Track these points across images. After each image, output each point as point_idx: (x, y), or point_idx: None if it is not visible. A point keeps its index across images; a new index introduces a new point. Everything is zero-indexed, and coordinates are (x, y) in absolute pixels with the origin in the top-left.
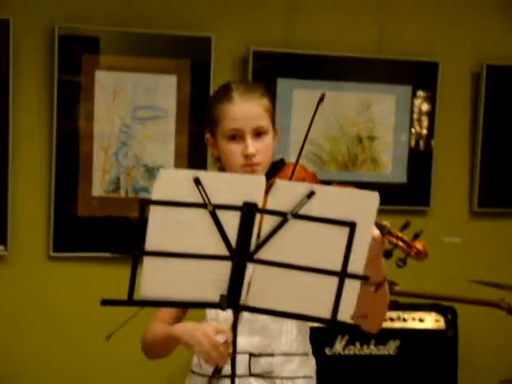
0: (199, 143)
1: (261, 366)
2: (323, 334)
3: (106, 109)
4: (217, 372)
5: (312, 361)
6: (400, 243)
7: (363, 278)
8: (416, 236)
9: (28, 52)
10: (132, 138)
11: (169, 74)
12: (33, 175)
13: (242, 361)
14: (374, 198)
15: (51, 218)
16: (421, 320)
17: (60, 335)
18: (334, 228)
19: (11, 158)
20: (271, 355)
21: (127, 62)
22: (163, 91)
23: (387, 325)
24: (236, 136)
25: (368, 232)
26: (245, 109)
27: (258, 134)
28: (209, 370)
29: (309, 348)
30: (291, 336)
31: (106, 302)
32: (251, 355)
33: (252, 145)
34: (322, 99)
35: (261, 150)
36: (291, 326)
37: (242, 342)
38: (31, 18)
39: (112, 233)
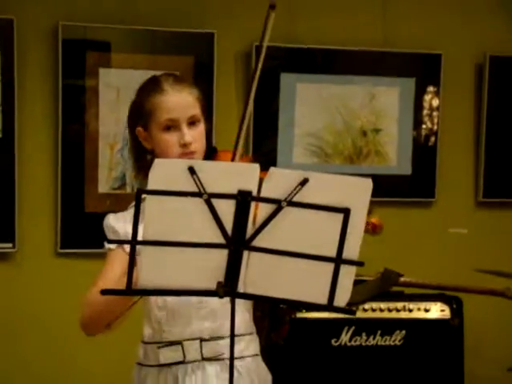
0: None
1: (212, 349)
2: (329, 325)
3: (110, 106)
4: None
5: (257, 339)
6: None
7: (358, 264)
8: (369, 212)
9: (32, 50)
10: None
11: (172, 70)
12: (39, 173)
13: (193, 346)
14: (367, 184)
15: (58, 215)
16: (426, 310)
17: (69, 331)
18: (328, 215)
19: (18, 155)
20: (221, 338)
21: (131, 59)
22: None
23: (393, 315)
24: (171, 126)
25: (362, 218)
26: (178, 99)
27: (192, 122)
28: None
29: (253, 327)
30: (239, 317)
31: (105, 292)
32: (202, 340)
33: (188, 133)
34: (272, 7)
35: (196, 138)
36: (239, 307)
37: (192, 328)
38: (35, 17)
39: None
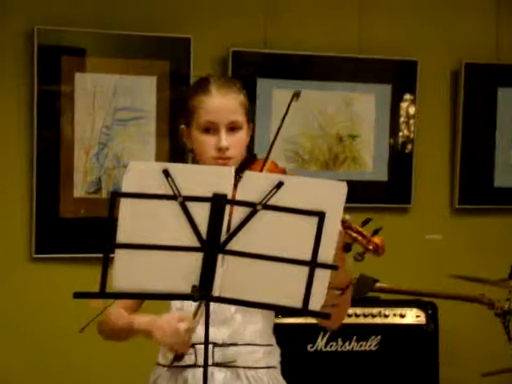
0: (180, 144)
1: (224, 355)
2: (305, 330)
3: (86, 110)
4: (177, 359)
5: (277, 351)
6: (359, 238)
7: (333, 268)
8: (375, 232)
9: (7, 55)
10: (113, 140)
11: (148, 75)
12: (15, 177)
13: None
14: (342, 187)
15: (33, 220)
16: (402, 316)
17: (43, 336)
18: (303, 218)
19: None
20: (235, 345)
21: (107, 63)
22: (143, 92)
23: (368, 320)
24: (210, 128)
25: (337, 222)
26: (221, 102)
27: (232, 128)
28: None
29: (273, 339)
30: (256, 327)
31: (78, 295)
32: (215, 345)
33: (226, 138)
34: (296, 95)
35: (234, 144)
36: (256, 317)
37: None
38: (10, 22)
39: (94, 233)
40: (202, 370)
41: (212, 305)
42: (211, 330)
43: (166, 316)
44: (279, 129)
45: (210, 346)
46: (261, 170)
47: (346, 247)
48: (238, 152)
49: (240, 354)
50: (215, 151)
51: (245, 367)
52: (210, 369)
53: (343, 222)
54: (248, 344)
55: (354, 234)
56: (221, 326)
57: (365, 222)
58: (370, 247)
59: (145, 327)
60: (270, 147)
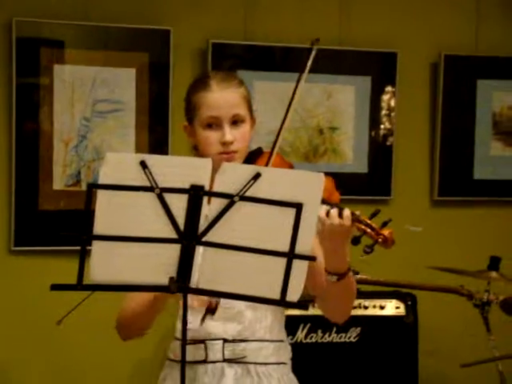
0: (159, 135)
1: (234, 351)
2: (285, 322)
3: (65, 103)
4: (210, 311)
5: (287, 347)
6: (368, 230)
7: (310, 259)
8: (384, 224)
9: None
10: (92, 132)
11: (128, 67)
12: None
13: (215, 347)
14: (319, 178)
15: (12, 213)
16: (381, 307)
17: (22, 329)
18: (280, 209)
19: None
20: (245, 341)
21: (86, 55)
22: (122, 84)
23: None
24: (213, 124)
25: (314, 213)
26: (222, 97)
27: (235, 122)
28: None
29: (284, 335)
30: (266, 323)
31: (55, 287)
32: (225, 341)
33: (229, 132)
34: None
35: (238, 137)
36: (266, 312)
37: (217, 328)
38: None
39: (73, 226)
40: (212, 365)
41: (222, 301)
42: (221, 325)
43: None
44: (287, 112)
45: (220, 342)
46: (266, 164)
47: (354, 240)
48: (243, 145)
49: (250, 350)
50: (219, 146)
51: (255, 363)
52: (220, 365)
53: (352, 214)
54: (258, 340)
55: (363, 227)
56: (230, 322)
57: (373, 214)
58: (380, 239)
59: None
60: (276, 139)
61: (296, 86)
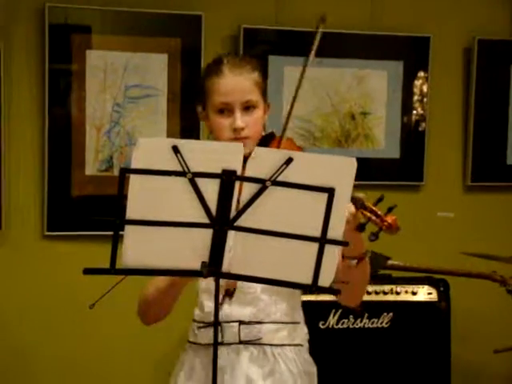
0: (191, 121)
1: (250, 332)
2: (317, 307)
3: (97, 88)
4: (229, 294)
5: (303, 329)
6: (373, 217)
7: (343, 244)
8: (389, 210)
9: (18, 33)
10: (124, 117)
11: (160, 52)
12: (26, 156)
13: (231, 329)
14: (351, 163)
15: (45, 198)
16: (414, 293)
17: (56, 313)
18: (312, 194)
19: (4, 138)
20: (261, 323)
21: (118, 41)
22: (154, 70)
23: (380, 298)
24: (225, 110)
25: (346, 198)
26: (234, 82)
27: (247, 107)
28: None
29: (301, 317)
30: (281, 306)
31: (88, 271)
32: (241, 323)
33: (240, 118)
34: (322, 20)
35: (250, 123)
36: (282, 296)
37: (233, 312)
38: None
39: (106, 211)
40: (228, 347)
41: (239, 284)
42: (237, 308)
43: None
44: (296, 94)
45: (236, 324)
46: (277, 148)
47: (359, 227)
48: (255, 131)
49: (265, 332)
50: (231, 132)
51: (271, 345)
52: (236, 346)
53: (356, 201)
54: (273, 322)
55: (368, 214)
56: (247, 305)
57: (378, 200)
58: (384, 227)
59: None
60: (286, 122)
61: (303, 71)
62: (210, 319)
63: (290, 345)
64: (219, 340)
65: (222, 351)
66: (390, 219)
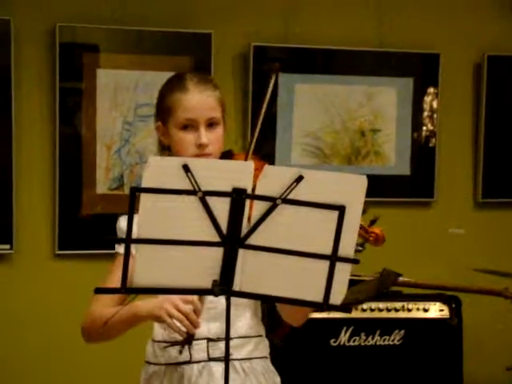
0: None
1: (219, 349)
2: (328, 325)
3: (107, 107)
4: (188, 341)
5: (266, 341)
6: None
7: (354, 262)
8: (372, 222)
9: (29, 51)
10: (134, 135)
11: (169, 70)
12: (37, 174)
13: (200, 346)
14: (362, 181)
15: (56, 216)
16: (425, 310)
17: (66, 332)
18: (323, 212)
19: (15, 156)
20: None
21: (128, 60)
22: None
23: (392, 315)
24: (189, 126)
25: (357, 215)
26: (199, 99)
27: (211, 124)
28: (173, 353)
29: (263, 329)
30: (245, 319)
31: (99, 290)
32: (209, 340)
33: (205, 135)
34: (276, 70)
35: (213, 140)
36: (245, 309)
37: (201, 328)
38: (32, 18)
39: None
40: (197, 365)
41: (207, 301)
42: (205, 325)
43: (171, 298)
44: (261, 114)
45: (205, 342)
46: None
47: None
48: (217, 148)
49: (233, 347)
50: (195, 148)
51: (240, 359)
52: (207, 364)
53: None
54: (240, 337)
55: None
56: (213, 321)
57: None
58: (371, 238)
59: (151, 309)
60: (252, 139)
61: (260, 109)
62: (176, 338)
63: (257, 358)
64: (188, 358)
65: (192, 369)
66: (376, 230)
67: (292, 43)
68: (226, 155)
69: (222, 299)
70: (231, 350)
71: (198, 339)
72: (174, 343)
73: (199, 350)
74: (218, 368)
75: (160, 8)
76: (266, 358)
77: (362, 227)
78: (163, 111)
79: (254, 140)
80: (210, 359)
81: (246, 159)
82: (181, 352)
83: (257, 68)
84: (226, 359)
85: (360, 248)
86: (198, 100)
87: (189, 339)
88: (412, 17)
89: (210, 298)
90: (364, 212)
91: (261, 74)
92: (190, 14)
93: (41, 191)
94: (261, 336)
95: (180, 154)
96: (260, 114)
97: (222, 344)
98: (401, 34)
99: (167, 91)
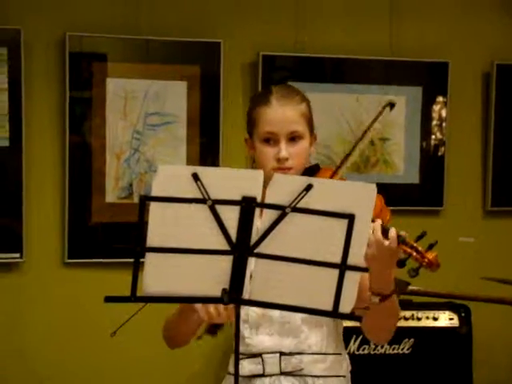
0: (210, 148)
1: (291, 364)
2: None
3: (117, 116)
4: (211, 331)
5: (345, 360)
6: (414, 253)
7: (363, 270)
8: (430, 246)
9: (40, 60)
10: (144, 144)
11: (179, 80)
12: (47, 183)
13: (272, 360)
14: (371, 189)
15: (66, 225)
16: (435, 318)
17: (77, 341)
18: (332, 220)
19: (25, 165)
20: (301, 353)
21: (137, 69)
22: (173, 97)
23: (401, 324)
24: (270, 139)
25: (366, 224)
26: (281, 113)
27: (293, 138)
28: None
29: (342, 348)
30: (322, 336)
31: (109, 299)
32: (281, 354)
33: (285, 149)
34: (391, 105)
35: (294, 154)
36: (321, 326)
37: (274, 342)
38: (42, 28)
39: (126, 238)
40: (269, 379)
41: (279, 315)
42: (278, 339)
43: None
44: (362, 137)
45: (277, 355)
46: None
47: (400, 263)
48: (299, 162)
49: (306, 363)
50: (275, 162)
51: (313, 376)
52: (277, 378)
53: (398, 236)
54: (314, 353)
55: (409, 250)
56: (286, 336)
57: (420, 237)
58: (424, 263)
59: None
60: (344, 158)
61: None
62: (249, 350)
63: (331, 376)
64: (261, 372)
65: (264, 382)
66: (430, 256)
67: (301, 52)
68: (311, 169)
69: (295, 315)
70: (303, 365)
71: (271, 352)
72: (248, 355)
73: (272, 363)
74: (289, 382)
75: (169, 17)
76: (343, 377)
77: (418, 252)
78: (249, 124)
79: (346, 159)
80: (282, 373)
81: (331, 177)
82: (199, 337)
83: (266, 77)
84: (236, 375)
85: (413, 273)
86: (278, 113)
87: (212, 330)
88: (421, 26)
89: (284, 313)
90: (422, 236)
91: (270, 83)
92: (199, 23)
93: (50, 200)
94: (339, 354)
95: (261, 167)
96: (361, 138)
97: (294, 359)
98: (409, 43)
99: (254, 104)
